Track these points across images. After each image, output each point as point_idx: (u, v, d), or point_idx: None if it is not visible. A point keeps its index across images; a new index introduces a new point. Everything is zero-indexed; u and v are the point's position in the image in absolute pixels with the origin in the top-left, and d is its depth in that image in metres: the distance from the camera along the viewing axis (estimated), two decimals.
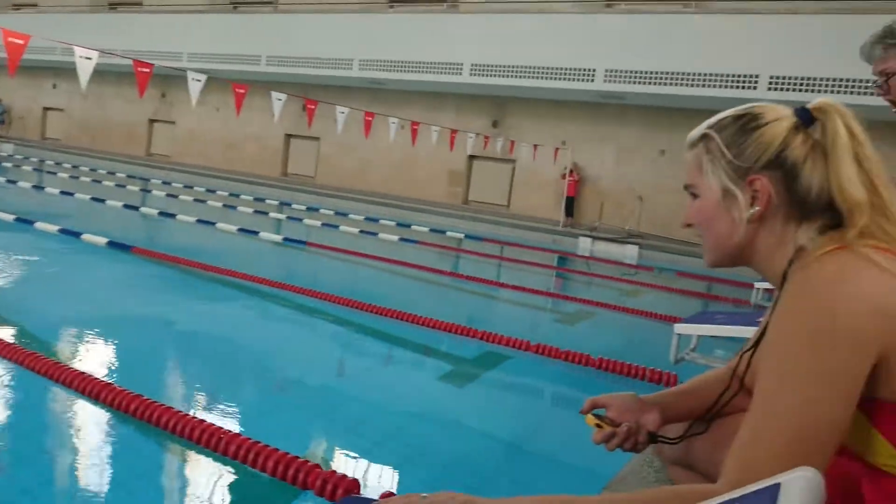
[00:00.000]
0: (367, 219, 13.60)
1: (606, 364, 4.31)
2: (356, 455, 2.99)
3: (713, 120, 1.20)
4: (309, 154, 22.27)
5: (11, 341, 3.65)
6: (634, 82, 15.38)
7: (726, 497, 0.90)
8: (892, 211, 1.05)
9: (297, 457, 2.55)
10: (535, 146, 16.89)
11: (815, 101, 1.14)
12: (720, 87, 14.44)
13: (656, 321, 6.36)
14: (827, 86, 13.40)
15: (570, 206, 17.04)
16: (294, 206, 14.90)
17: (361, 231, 11.32)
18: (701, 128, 1.21)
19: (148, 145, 25.75)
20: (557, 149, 16.90)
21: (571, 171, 17.07)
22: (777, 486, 0.81)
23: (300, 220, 12.37)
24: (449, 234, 12.95)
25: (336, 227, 11.63)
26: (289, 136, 22.55)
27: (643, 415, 1.41)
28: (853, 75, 12.75)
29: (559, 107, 18.03)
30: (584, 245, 14.04)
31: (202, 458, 2.68)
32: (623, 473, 2.05)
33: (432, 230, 12.91)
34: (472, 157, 19.35)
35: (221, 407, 3.32)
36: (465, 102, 19.33)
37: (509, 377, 4.44)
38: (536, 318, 6.86)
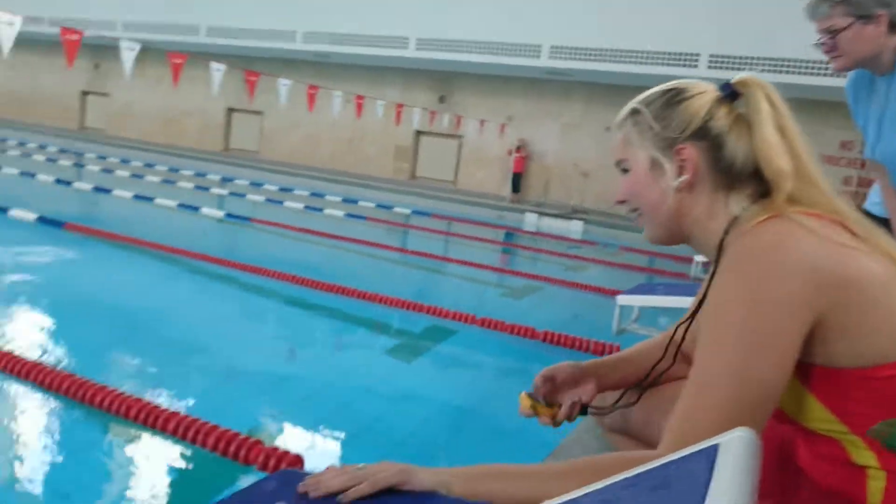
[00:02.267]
0: (313, 194, 13.40)
1: (551, 336, 4.36)
2: (302, 431, 2.96)
3: (641, 96, 1.24)
4: (252, 129, 21.77)
5: None
6: (579, 59, 15.49)
7: (666, 459, 0.91)
8: (814, 177, 1.10)
9: (239, 433, 2.50)
10: (482, 122, 16.89)
11: (737, 76, 1.18)
12: (663, 64, 14.67)
13: (599, 295, 6.47)
14: (763, 65, 13.75)
15: (517, 182, 17.15)
16: (237, 181, 14.56)
17: (307, 207, 11.14)
18: (630, 104, 1.25)
19: (81, 118, 24.73)
20: (504, 125, 16.93)
21: (518, 148, 17.15)
22: (715, 447, 0.82)
23: (243, 195, 12.10)
24: (396, 209, 12.88)
25: (280, 202, 11.42)
26: (231, 110, 21.98)
27: (580, 385, 1.43)
28: (787, 55, 13.12)
29: (506, 82, 18.04)
30: (531, 220, 14.16)
31: (144, 437, 2.60)
32: (566, 442, 2.08)
33: (379, 206, 12.81)
34: (418, 133, 19.23)
35: (163, 386, 3.23)
36: (411, 77, 19.15)
37: (456, 351, 4.46)
38: (483, 292, 6.90)
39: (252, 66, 18.35)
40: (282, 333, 4.54)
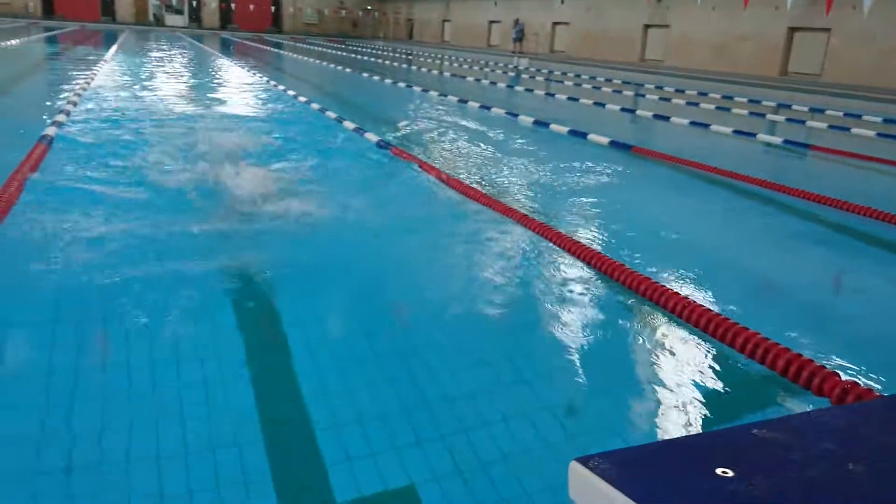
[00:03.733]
0: (886, 120, 11.58)
1: None
2: (860, 368, 2.71)
3: None
4: (815, 49, 19.79)
5: (527, 214, 4.28)
6: None
7: None
8: None
9: (813, 361, 2.43)
10: None
11: None
12: None
13: None
14: None
15: None
16: (795, 107, 13.56)
17: (879, 134, 9.71)
18: None
19: (641, 51, 26.30)
20: None
21: None
22: None
23: (802, 122, 11.23)
24: None
25: (846, 129, 10.23)
26: (792, 29, 20.35)
27: None
28: None
29: None
30: None
31: (706, 345, 2.77)
32: None
33: None
34: None
35: (707, 295, 3.35)
36: None
37: None
38: None
39: None
40: (833, 267, 4.17)
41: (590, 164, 6.50)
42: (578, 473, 0.69)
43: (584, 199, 5.21)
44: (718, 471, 0.69)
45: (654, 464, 0.71)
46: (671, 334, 2.92)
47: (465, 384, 2.45)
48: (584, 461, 0.71)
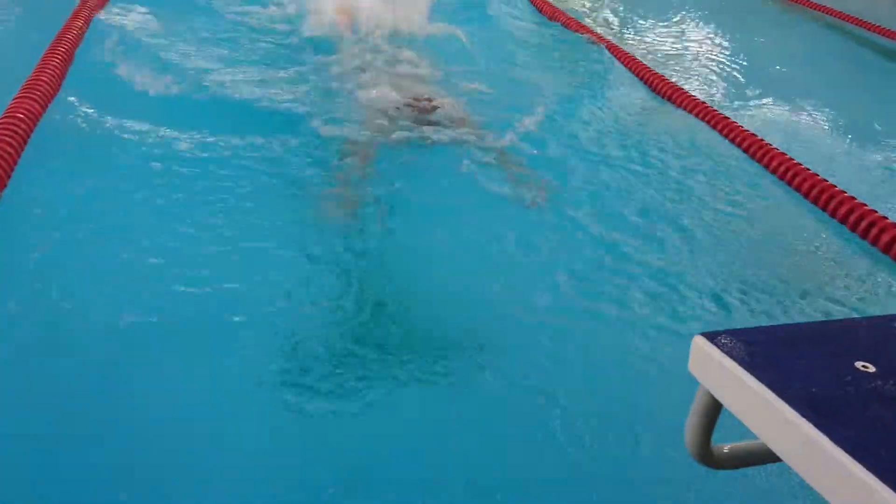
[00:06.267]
0: None
1: None
2: None
3: None
4: None
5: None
6: None
7: None
8: None
9: None
10: None
11: None
12: None
13: None
14: None
15: None
16: None
17: None
18: None
19: None
20: None
21: None
22: None
23: None
24: None
25: None
26: None
27: None
28: None
29: None
30: None
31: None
32: None
33: None
34: None
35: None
36: None
37: None
38: None
39: None
40: None
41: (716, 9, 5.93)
42: (702, 349, 0.66)
43: (710, 50, 4.81)
44: (858, 364, 0.64)
45: (788, 348, 0.67)
46: (798, 215, 2.78)
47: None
48: (711, 337, 0.68)
